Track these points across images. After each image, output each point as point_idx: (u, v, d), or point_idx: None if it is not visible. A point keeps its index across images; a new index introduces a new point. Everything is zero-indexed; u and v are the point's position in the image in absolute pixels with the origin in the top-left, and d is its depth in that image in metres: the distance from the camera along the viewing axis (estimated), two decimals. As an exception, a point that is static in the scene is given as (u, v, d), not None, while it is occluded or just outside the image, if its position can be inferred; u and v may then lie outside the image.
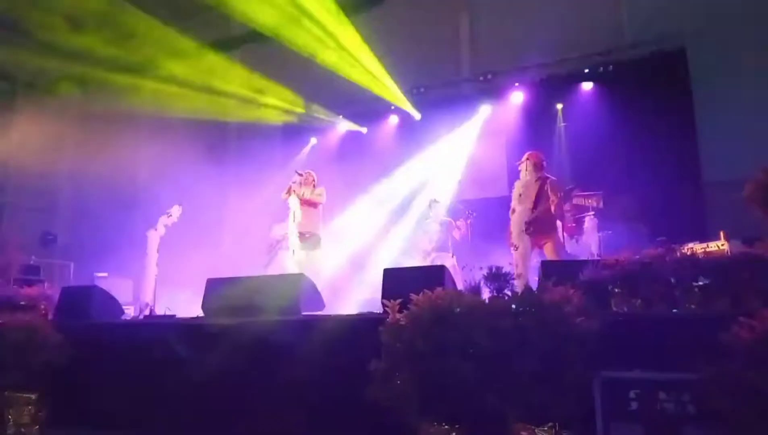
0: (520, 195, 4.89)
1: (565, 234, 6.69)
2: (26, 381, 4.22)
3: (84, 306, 5.24)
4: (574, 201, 6.96)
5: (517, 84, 9.57)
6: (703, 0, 8.22)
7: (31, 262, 10.02)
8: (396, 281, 4.09)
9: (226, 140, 11.93)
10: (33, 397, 4.28)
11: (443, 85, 10.08)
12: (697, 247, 4.73)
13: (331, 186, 7.63)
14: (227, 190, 11.44)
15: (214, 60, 10.21)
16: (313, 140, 11.46)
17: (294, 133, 11.32)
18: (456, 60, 10.35)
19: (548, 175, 6.08)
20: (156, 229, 7.13)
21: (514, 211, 4.90)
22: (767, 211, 3.37)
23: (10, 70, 13.00)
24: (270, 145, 11.01)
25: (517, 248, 4.76)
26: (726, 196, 4.50)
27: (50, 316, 5.21)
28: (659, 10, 8.30)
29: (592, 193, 6.83)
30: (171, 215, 7.49)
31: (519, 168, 5.22)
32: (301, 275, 4.96)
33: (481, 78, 9.69)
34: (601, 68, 8.83)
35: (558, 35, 8.62)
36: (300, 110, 10.63)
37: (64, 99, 13.81)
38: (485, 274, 3.67)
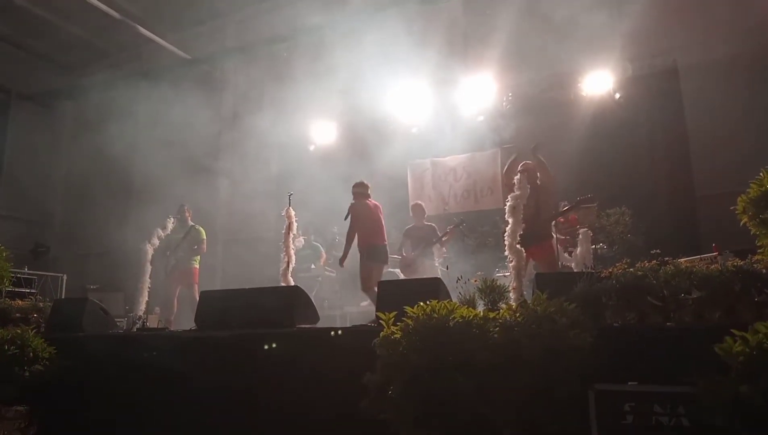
0: (514, 208, 4.90)
1: (559, 247, 6.71)
2: (17, 394, 4.18)
3: (76, 319, 5.20)
4: (570, 215, 6.99)
5: (510, 95, 9.63)
6: (695, 16, 8.33)
7: (24, 274, 9.93)
8: (391, 293, 4.09)
9: (220, 148, 11.94)
10: (23, 410, 4.23)
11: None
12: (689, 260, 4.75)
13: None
14: (220, 199, 11.46)
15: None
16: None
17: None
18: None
19: (542, 184, 6.11)
20: (150, 242, 7.10)
21: (507, 223, 4.91)
22: (758, 224, 3.40)
23: (4, 81, 12.99)
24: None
25: (511, 261, 4.77)
26: (718, 208, 4.54)
27: (42, 329, 5.16)
28: (651, 27, 8.40)
29: (586, 205, 6.84)
30: (165, 227, 7.48)
31: (513, 180, 5.24)
32: (295, 287, 4.95)
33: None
34: (591, 84, 8.90)
35: (553, 50, 8.70)
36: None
37: (58, 110, 13.85)
38: (480, 286, 3.69)
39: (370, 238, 6.48)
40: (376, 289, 5.99)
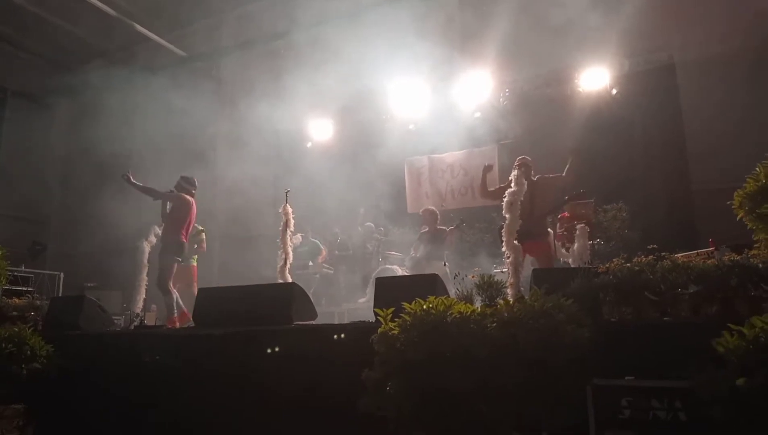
0: (511, 204, 4.90)
1: (557, 242, 6.71)
2: (14, 393, 4.18)
3: (73, 317, 5.19)
4: (566, 210, 6.99)
5: (507, 91, 9.63)
6: (692, 12, 8.32)
7: (21, 272, 9.92)
8: (388, 290, 4.09)
9: (217, 146, 11.91)
10: (21, 409, 4.23)
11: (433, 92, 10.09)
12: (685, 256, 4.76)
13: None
14: (218, 197, 11.43)
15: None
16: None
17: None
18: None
19: (539, 178, 6.11)
20: (147, 240, 7.08)
21: (505, 219, 4.91)
22: (754, 219, 3.41)
23: (0, 79, 12.93)
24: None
25: (508, 257, 4.77)
26: (715, 203, 4.55)
27: (39, 327, 5.15)
28: (648, 23, 8.39)
29: (583, 201, 6.85)
30: (162, 225, 7.45)
31: (510, 178, 5.24)
32: (293, 284, 4.94)
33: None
34: (587, 80, 8.90)
35: (550, 47, 8.69)
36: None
37: (54, 107, 13.80)
38: (477, 282, 3.68)
39: (182, 233, 6.78)
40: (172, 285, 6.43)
